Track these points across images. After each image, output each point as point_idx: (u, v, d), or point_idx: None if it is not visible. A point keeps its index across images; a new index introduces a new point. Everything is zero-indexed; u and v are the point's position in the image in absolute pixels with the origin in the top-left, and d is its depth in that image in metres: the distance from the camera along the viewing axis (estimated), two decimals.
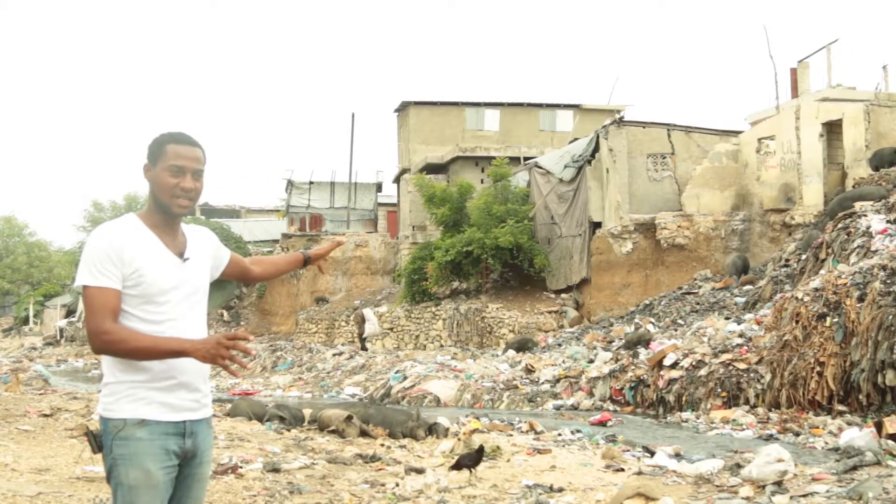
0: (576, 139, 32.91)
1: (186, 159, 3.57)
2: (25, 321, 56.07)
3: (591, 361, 19.07)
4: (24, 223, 69.26)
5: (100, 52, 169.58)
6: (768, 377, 14.24)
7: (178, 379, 3.52)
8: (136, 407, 3.44)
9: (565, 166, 29.72)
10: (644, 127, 28.18)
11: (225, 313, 41.77)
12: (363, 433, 12.44)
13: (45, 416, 13.66)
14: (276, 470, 9.08)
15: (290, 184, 46.29)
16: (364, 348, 29.59)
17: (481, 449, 9.84)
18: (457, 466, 9.48)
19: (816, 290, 14.40)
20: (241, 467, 9.04)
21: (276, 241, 46.58)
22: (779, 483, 8.25)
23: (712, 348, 16.22)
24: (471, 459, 9.38)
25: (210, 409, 3.70)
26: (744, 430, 13.20)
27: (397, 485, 8.50)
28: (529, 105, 43.51)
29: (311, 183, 46.28)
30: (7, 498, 7.33)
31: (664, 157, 27.80)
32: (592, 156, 28.46)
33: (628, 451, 11.28)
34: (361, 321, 31.72)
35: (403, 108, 43.96)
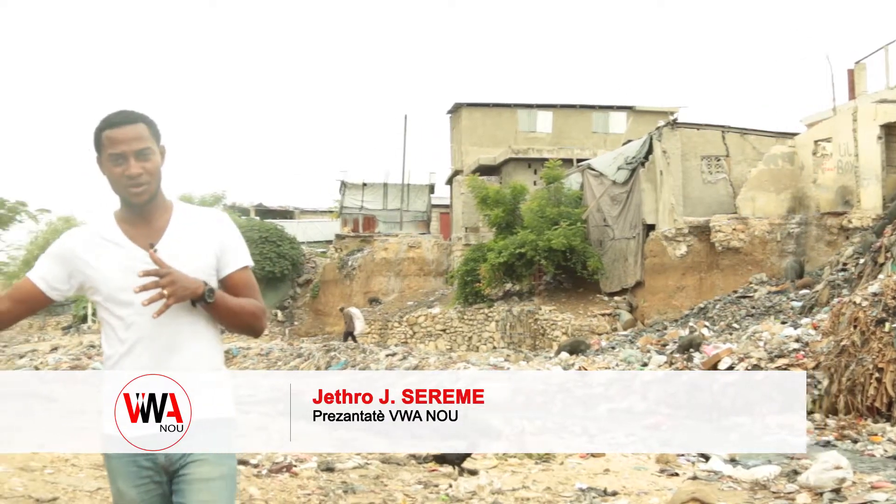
0: (629, 141, 32.73)
1: (124, 142, 3.14)
2: (84, 319, 56.84)
3: (645, 365, 18.96)
4: (84, 221, 70.35)
5: (151, 53, 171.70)
6: (825, 383, 14.06)
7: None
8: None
9: (618, 168, 29.58)
10: (698, 129, 27.96)
11: (279, 313, 42.10)
12: None
13: None
14: (330, 469, 9.16)
15: (344, 185, 46.54)
16: (354, 341, 30.67)
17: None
18: (440, 460, 9.50)
19: (875, 294, 14.20)
20: (295, 466, 9.12)
21: (329, 242, 46.88)
22: (837, 490, 8.17)
23: (768, 353, 16.05)
24: (457, 455, 9.40)
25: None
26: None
27: (451, 486, 8.54)
28: (582, 107, 43.36)
29: (365, 184, 46.49)
30: (68, 493, 7.48)
31: (718, 160, 27.56)
32: (646, 158, 28.28)
33: (682, 455, 11.22)
34: (350, 319, 32.21)
35: (456, 109, 44.01)
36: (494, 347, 28.96)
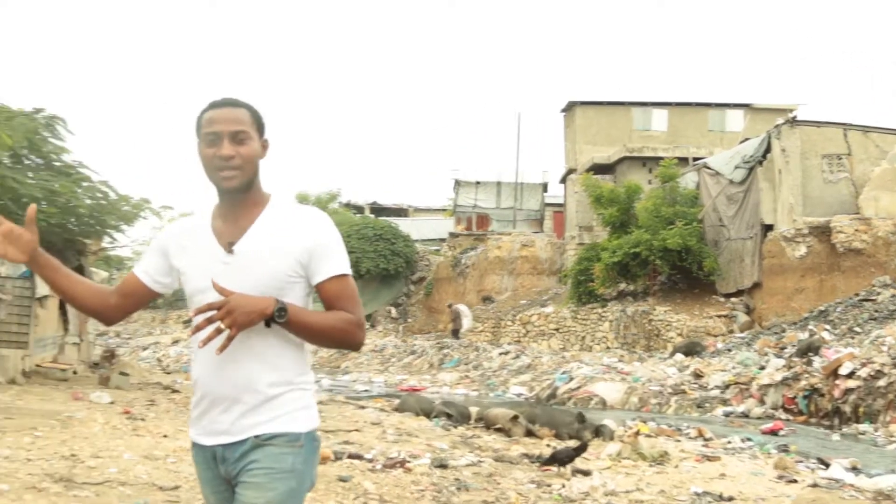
0: (746, 139, 32.09)
1: (220, 122, 2.93)
2: None
3: (763, 368, 18.63)
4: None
5: (271, 49, 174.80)
6: None
7: (204, 395, 3.02)
8: (190, 427, 3.12)
9: (735, 167, 29.07)
10: (818, 126, 27.30)
11: (393, 310, 42.49)
12: (529, 433, 12.53)
13: None
14: (443, 466, 9.24)
15: (458, 183, 46.70)
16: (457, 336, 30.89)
17: (580, 447, 9.81)
18: (549, 461, 9.50)
19: None
20: (409, 462, 9.23)
21: (443, 240, 47.07)
22: None
23: (892, 358, 15.61)
24: (566, 455, 9.36)
25: (262, 425, 2.91)
26: None
27: (563, 486, 8.55)
28: (698, 104, 42.66)
29: (478, 183, 46.57)
30: (189, 482, 7.70)
31: (840, 158, 26.87)
32: (764, 156, 27.73)
33: (801, 461, 11.01)
34: (457, 317, 32.25)
35: (570, 107, 43.77)
36: (608, 348, 28.77)
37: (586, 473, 9.17)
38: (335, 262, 2.96)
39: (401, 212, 59.81)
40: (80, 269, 18.13)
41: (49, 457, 8.37)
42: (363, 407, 15.75)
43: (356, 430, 11.82)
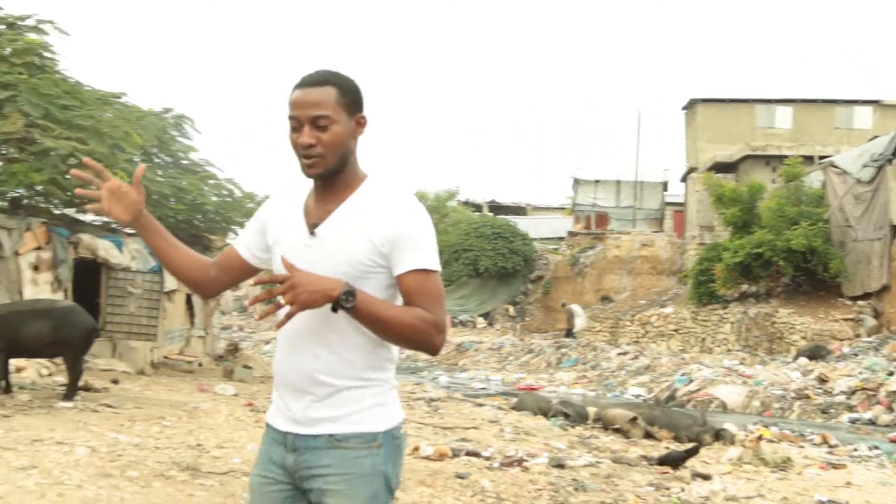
0: (875, 137, 31.14)
1: (301, 106, 2.74)
2: None
3: (892, 374, 18.11)
4: None
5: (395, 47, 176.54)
6: None
7: (279, 381, 2.90)
8: (269, 407, 3.00)
9: (863, 166, 28.21)
10: None
11: (510, 308, 42.55)
12: (648, 435, 12.44)
13: None
14: (560, 466, 9.24)
15: (577, 182, 46.49)
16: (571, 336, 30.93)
17: (691, 450, 9.65)
18: (660, 463, 9.37)
19: None
20: (526, 461, 9.26)
21: (561, 239, 46.93)
22: None
23: None
24: (677, 457, 9.22)
25: (337, 423, 2.77)
26: None
27: (683, 490, 8.47)
28: (824, 101, 41.59)
29: (597, 181, 46.28)
30: None
31: None
32: (894, 154, 26.88)
33: None
34: (571, 317, 32.03)
35: (691, 105, 43.16)
36: (729, 350, 28.26)
37: (706, 478, 9.07)
38: (418, 255, 2.73)
39: (519, 210, 59.78)
40: None
41: (176, 446, 8.66)
42: (481, 405, 15.83)
43: (474, 428, 11.91)
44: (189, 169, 18.74)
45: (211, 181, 18.23)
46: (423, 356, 32.97)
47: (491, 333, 37.76)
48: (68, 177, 15.32)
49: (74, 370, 11.37)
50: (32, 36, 16.57)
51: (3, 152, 15.70)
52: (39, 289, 14.59)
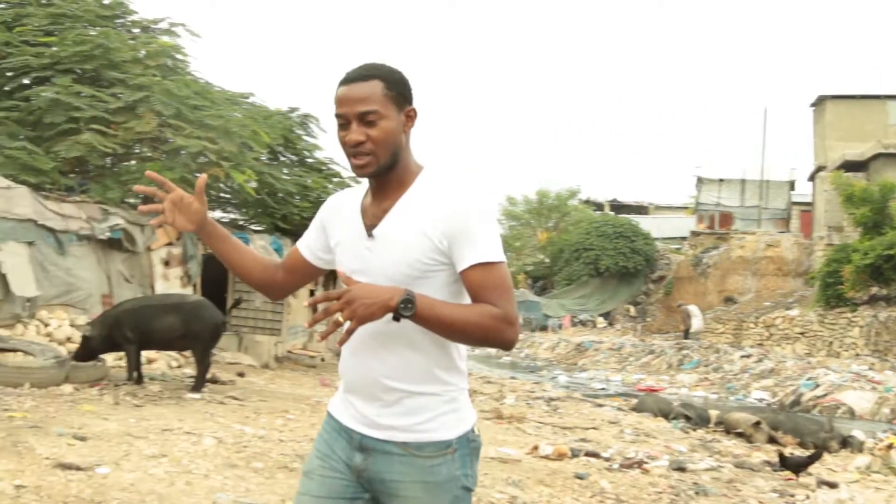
0: None
1: (346, 103, 2.64)
2: None
3: None
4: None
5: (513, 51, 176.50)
6: None
7: (346, 384, 2.83)
8: (335, 396, 2.94)
9: None
10: None
11: (632, 308, 42.18)
12: (771, 440, 12.22)
13: None
14: (681, 469, 9.15)
15: (700, 181, 45.77)
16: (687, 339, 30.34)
17: (814, 455, 9.40)
18: (781, 464, 9.17)
19: None
20: (646, 463, 9.20)
21: (683, 239, 46.32)
22: None
23: None
24: (798, 463, 9.00)
25: (412, 434, 2.68)
26: None
27: (808, 497, 8.31)
28: None
29: (721, 180, 45.47)
30: None
31: None
32: None
33: None
34: (687, 317, 31.68)
35: (819, 102, 42.03)
36: (857, 355, 27.44)
37: (833, 486, 8.86)
38: (479, 248, 2.58)
39: (641, 209, 59.18)
40: None
41: (299, 439, 8.86)
42: (600, 405, 15.76)
43: (593, 428, 11.88)
44: (314, 167, 19.13)
45: (335, 179, 18.57)
46: (542, 355, 32.98)
47: (611, 333, 37.50)
48: (199, 174, 15.87)
49: (203, 363, 11.73)
50: (165, 39, 17.16)
51: (137, 151, 16.29)
52: (170, 283, 15.10)
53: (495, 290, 2.58)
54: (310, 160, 19.19)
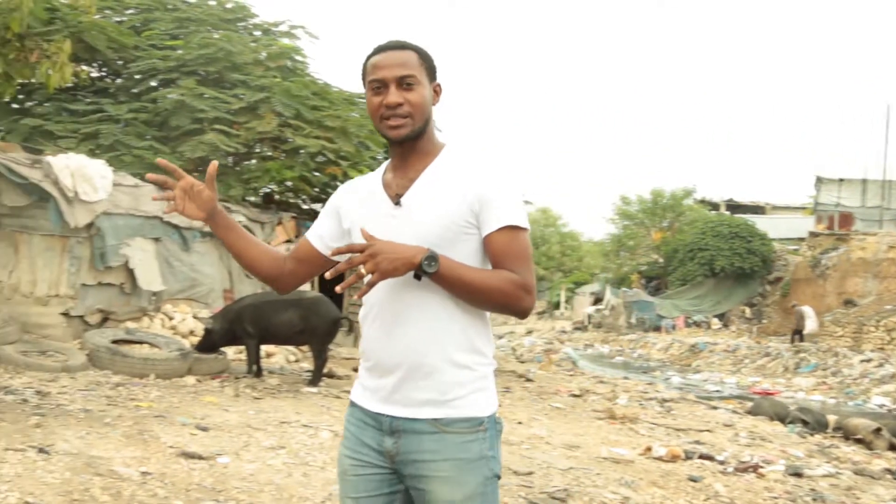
0: None
1: (385, 68, 2.69)
2: (557, 306, 59.43)
3: None
4: (559, 214, 73.40)
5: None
6: None
7: (371, 361, 2.79)
8: (355, 386, 2.91)
9: None
10: None
11: (747, 310, 41.43)
12: (892, 447, 11.92)
13: (575, 396, 14.62)
14: (798, 474, 9.00)
15: (819, 180, 44.67)
16: (801, 340, 29.74)
17: None
18: None
19: None
20: (762, 467, 9.09)
21: (801, 240, 45.26)
22: None
23: None
24: None
25: (444, 409, 2.66)
26: None
27: None
28: None
29: (841, 180, 44.31)
30: (542, 468, 8.02)
31: None
32: None
33: None
34: (801, 318, 31.02)
35: None
36: None
37: None
38: (506, 211, 2.64)
39: (757, 209, 58.01)
40: None
41: None
42: (715, 407, 15.57)
43: (707, 431, 11.77)
44: None
45: None
46: (656, 355, 32.65)
47: (726, 335, 36.90)
48: (317, 173, 16.20)
49: (320, 357, 12.00)
50: (285, 41, 17.56)
51: (258, 150, 16.71)
52: None
53: (517, 257, 2.64)
54: None
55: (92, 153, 14.31)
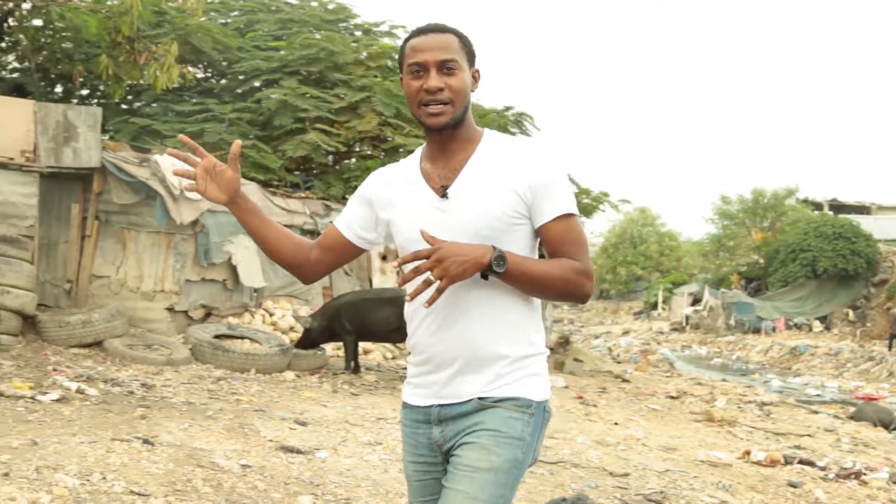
0: None
1: (426, 51, 2.58)
2: (654, 306, 58.82)
3: None
4: (657, 214, 72.61)
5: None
6: None
7: (424, 355, 2.72)
8: (405, 386, 2.85)
9: None
10: None
11: (850, 313, 40.50)
12: None
13: (672, 397, 14.49)
14: None
15: None
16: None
17: None
18: None
19: None
20: (864, 474, 8.91)
21: None
22: None
23: None
24: None
25: (488, 386, 2.61)
26: None
27: None
28: None
29: None
30: (638, 469, 7.99)
31: None
32: None
33: None
34: (894, 322, 30.27)
35: None
36: None
37: None
38: (561, 200, 2.59)
39: (863, 209, 56.67)
40: (542, 258, 19.20)
41: None
42: (815, 412, 15.28)
43: (808, 436, 11.56)
44: None
45: None
46: (755, 358, 32.13)
47: (828, 338, 36.14)
48: None
49: None
50: (385, 41, 17.73)
51: (358, 149, 16.92)
52: (386, 277, 15.61)
53: (574, 243, 2.60)
54: None
55: None
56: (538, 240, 2.66)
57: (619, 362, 24.29)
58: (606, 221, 70.49)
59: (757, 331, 39.03)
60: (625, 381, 16.50)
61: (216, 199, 2.72)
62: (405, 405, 2.80)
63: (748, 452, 9.25)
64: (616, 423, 10.75)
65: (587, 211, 19.21)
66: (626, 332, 42.74)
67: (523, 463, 2.60)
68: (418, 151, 2.76)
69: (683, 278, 59.66)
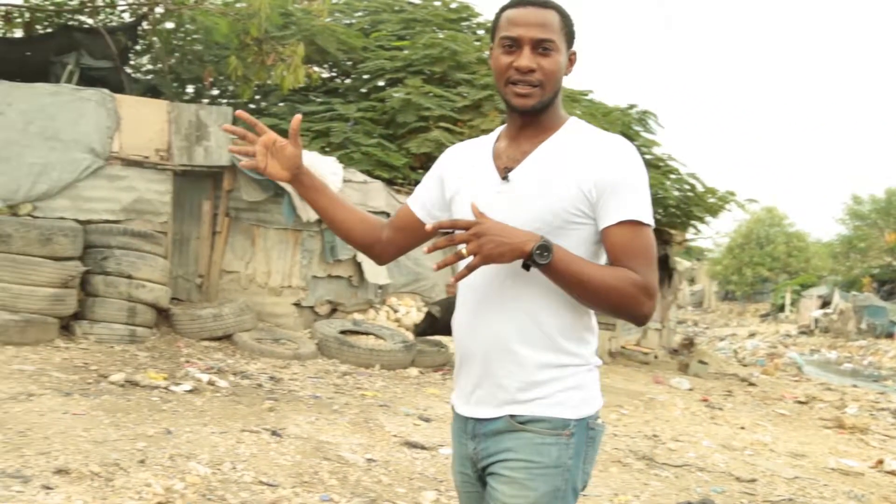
0: None
1: (522, 25, 2.35)
2: (781, 308, 57.48)
3: None
4: (784, 213, 70.90)
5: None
6: None
7: (462, 352, 2.53)
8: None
9: None
10: None
11: None
12: None
13: (800, 402, 14.15)
14: None
15: None
16: None
17: None
18: None
19: None
20: None
21: None
22: None
23: None
24: None
25: (521, 404, 2.38)
26: None
27: None
28: None
29: None
30: (766, 475, 7.83)
31: None
32: None
33: None
34: None
35: None
36: None
37: None
38: (632, 204, 2.31)
39: None
40: (665, 259, 18.91)
41: (633, 434, 8.96)
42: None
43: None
44: (652, 164, 19.09)
45: (673, 176, 18.46)
46: (888, 363, 31.11)
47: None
48: None
49: None
50: None
51: None
52: None
53: (640, 255, 2.31)
54: (648, 156, 19.20)
55: (323, 151, 14.90)
56: (599, 244, 2.40)
57: (744, 365, 23.84)
58: (732, 221, 69.20)
59: (890, 335, 37.81)
60: (751, 384, 16.19)
61: (278, 176, 2.62)
62: (453, 408, 2.63)
63: (881, 461, 8.98)
64: (742, 428, 10.56)
65: (713, 210, 18.88)
66: (751, 335, 41.83)
67: (566, 492, 2.37)
68: (498, 129, 2.58)
69: (812, 280, 58.13)
